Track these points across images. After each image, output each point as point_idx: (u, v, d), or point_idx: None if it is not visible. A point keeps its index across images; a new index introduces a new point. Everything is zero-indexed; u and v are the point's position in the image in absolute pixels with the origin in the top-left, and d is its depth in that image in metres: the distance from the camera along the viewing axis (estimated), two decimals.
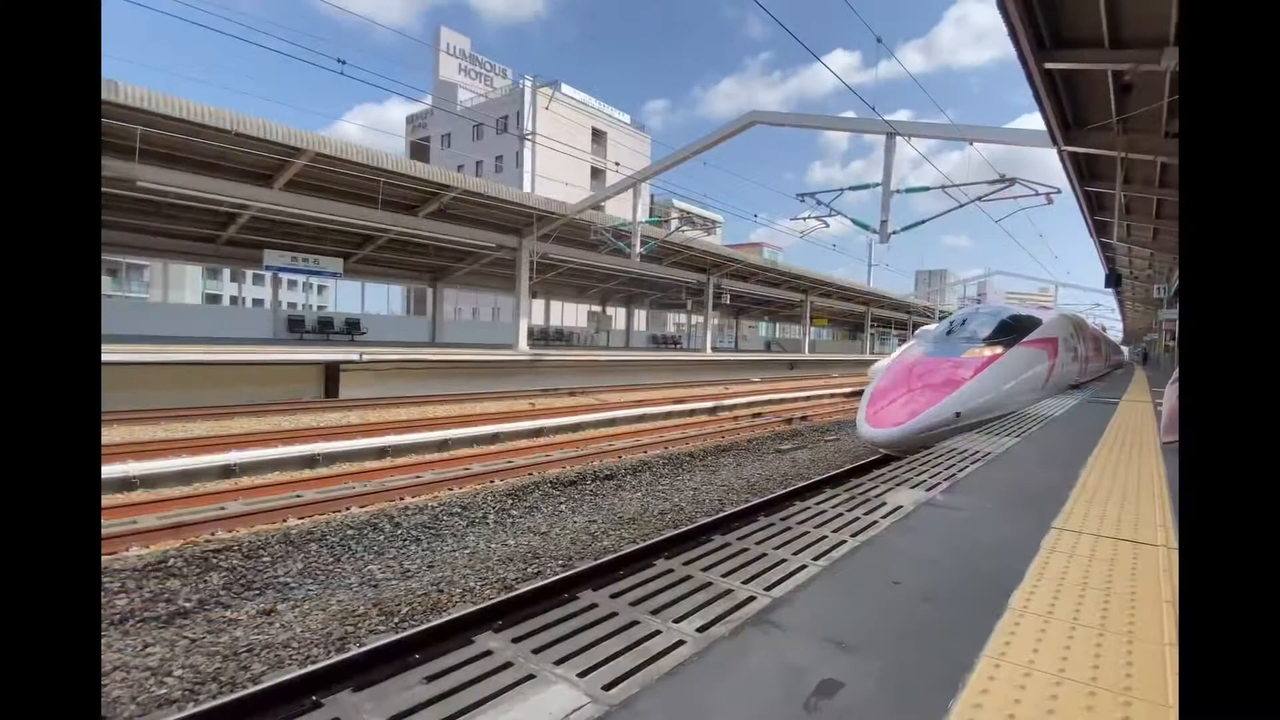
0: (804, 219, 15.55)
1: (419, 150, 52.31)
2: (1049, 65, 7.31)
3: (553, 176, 35.99)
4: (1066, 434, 6.82)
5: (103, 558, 4.94)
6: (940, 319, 21.20)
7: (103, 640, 3.84)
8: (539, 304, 33.75)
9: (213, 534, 5.63)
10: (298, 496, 6.75)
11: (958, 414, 8.21)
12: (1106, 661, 1.92)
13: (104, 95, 10.60)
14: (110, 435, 9.23)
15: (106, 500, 6.41)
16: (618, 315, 40.02)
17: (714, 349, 31.88)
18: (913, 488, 4.21)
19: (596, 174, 44.87)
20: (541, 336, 30.81)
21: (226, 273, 53.25)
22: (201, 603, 4.45)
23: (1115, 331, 52.35)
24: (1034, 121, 9.26)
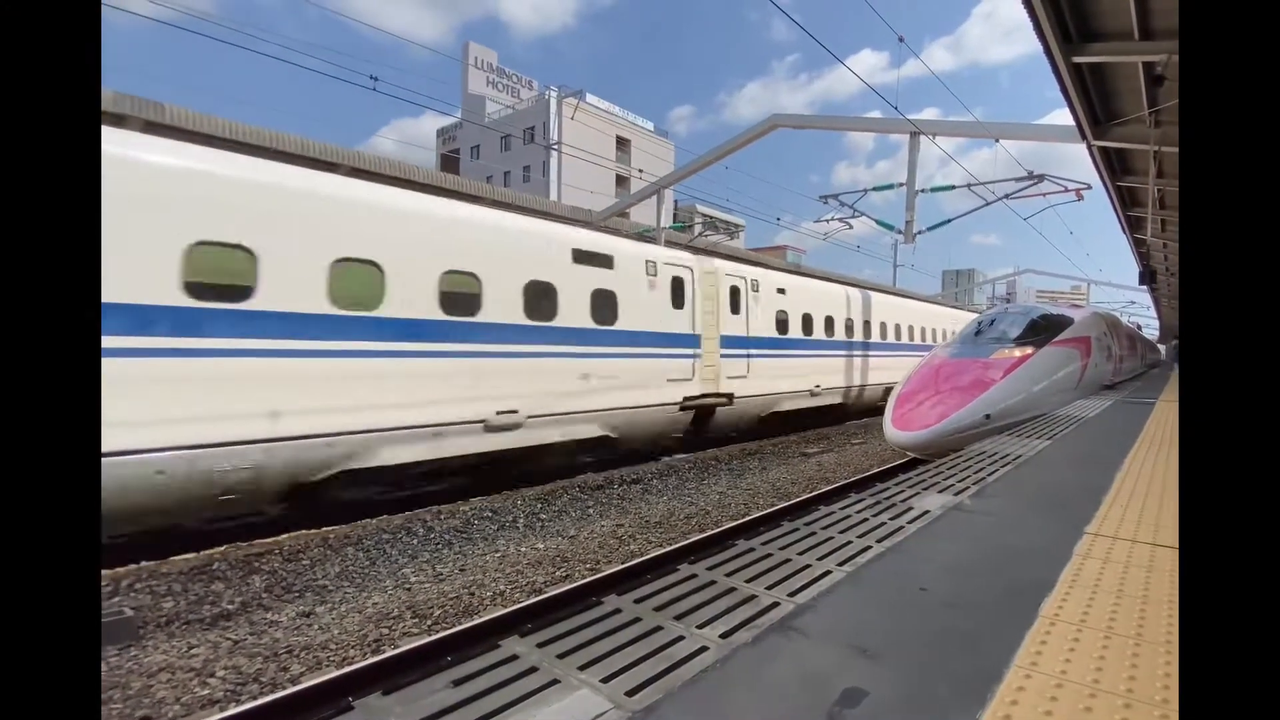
0: (828, 221, 15.42)
1: (449, 162, 53.21)
2: (1077, 59, 7.13)
3: (578, 185, 36.30)
4: (1100, 436, 6.61)
5: (149, 562, 5.15)
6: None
7: (150, 642, 4.00)
8: None
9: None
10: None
11: (987, 416, 8.04)
12: (1143, 673, 1.87)
13: (150, 117, 11.06)
14: None
15: None
16: None
17: None
18: (940, 492, 4.14)
19: (621, 181, 45.08)
20: None
21: None
22: (244, 605, 4.60)
23: (1151, 329, 50.47)
24: (1066, 116, 9.01)
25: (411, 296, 6.72)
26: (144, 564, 5.08)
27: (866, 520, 3.52)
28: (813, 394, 13.38)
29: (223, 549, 5.50)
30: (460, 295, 7.15)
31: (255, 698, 3.39)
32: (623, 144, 48.42)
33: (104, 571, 4.87)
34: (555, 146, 27.80)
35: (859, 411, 15.74)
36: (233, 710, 3.19)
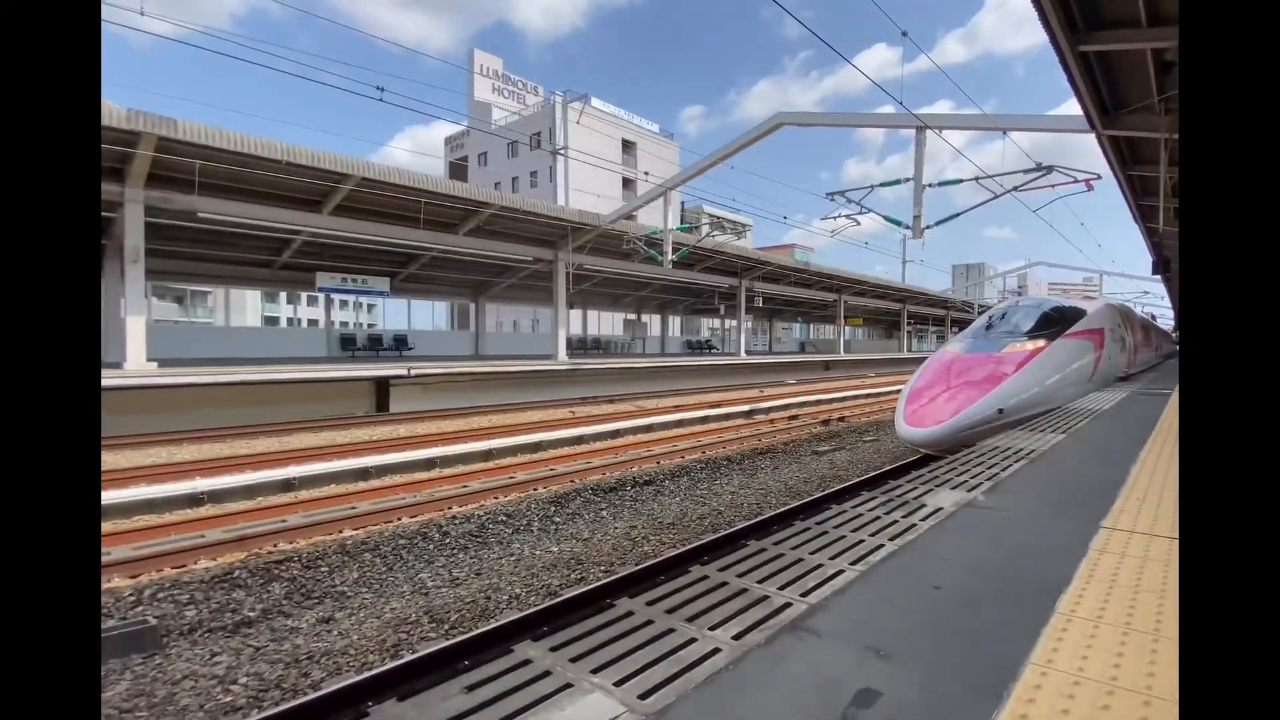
0: (835, 218, 15.33)
1: (457, 170, 53.62)
2: (1084, 48, 7.05)
3: (585, 189, 36.50)
4: (1115, 429, 6.53)
5: (172, 571, 5.24)
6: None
7: (173, 650, 4.07)
8: (576, 314, 34.18)
9: (274, 546, 5.90)
10: (352, 509, 6.99)
11: (1000, 411, 7.96)
12: (1162, 669, 1.85)
13: (164, 132, 11.28)
14: (180, 453, 9.80)
15: (177, 516, 6.80)
16: (653, 322, 40.25)
17: (748, 352, 31.61)
18: (953, 489, 4.11)
19: (628, 184, 45.22)
20: (580, 346, 31.14)
21: (283, 295, 55.69)
22: (265, 612, 4.67)
23: (1166, 319, 49.75)
24: (1077, 106, 8.90)
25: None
26: (165, 572, 5.17)
27: (879, 518, 3.50)
28: None
29: (243, 556, 5.58)
30: None
31: (277, 704, 3.44)
32: (628, 147, 48.59)
33: (127, 582, 4.97)
34: (561, 151, 27.92)
35: None
36: (255, 716, 3.24)
